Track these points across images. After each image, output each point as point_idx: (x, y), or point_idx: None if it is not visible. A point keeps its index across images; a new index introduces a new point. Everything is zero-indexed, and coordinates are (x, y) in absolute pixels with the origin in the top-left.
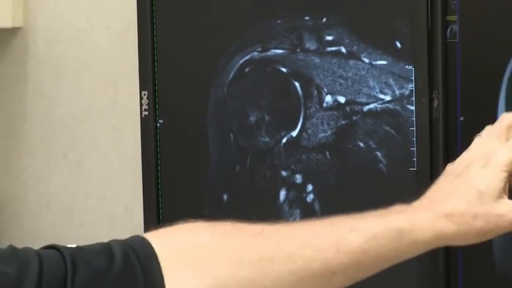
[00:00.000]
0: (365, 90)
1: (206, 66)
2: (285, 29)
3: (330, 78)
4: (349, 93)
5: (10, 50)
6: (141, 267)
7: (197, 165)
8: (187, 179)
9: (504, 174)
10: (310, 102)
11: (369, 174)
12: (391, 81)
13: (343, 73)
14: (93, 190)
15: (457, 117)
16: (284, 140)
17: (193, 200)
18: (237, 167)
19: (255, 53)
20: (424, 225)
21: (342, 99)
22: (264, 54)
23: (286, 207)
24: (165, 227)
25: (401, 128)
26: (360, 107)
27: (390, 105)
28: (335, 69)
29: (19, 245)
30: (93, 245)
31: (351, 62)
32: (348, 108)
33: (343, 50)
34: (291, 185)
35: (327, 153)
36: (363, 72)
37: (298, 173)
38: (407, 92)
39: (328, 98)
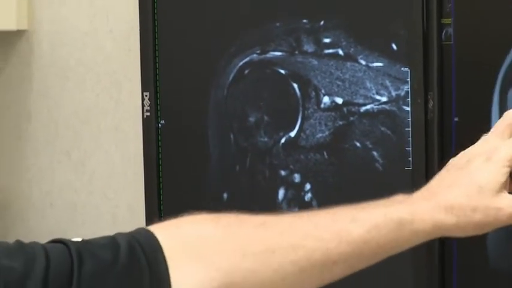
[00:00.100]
0: (362, 91)
1: (206, 68)
2: (284, 32)
3: (327, 79)
4: (346, 94)
5: (15, 52)
6: (146, 259)
7: (198, 165)
8: (188, 177)
9: (506, 170)
10: (308, 103)
11: (366, 173)
12: (387, 83)
13: (341, 75)
14: (96, 188)
15: (451, 117)
16: (283, 140)
17: (194, 198)
18: (237, 167)
19: (254, 55)
20: (425, 216)
21: (339, 100)
22: (263, 56)
23: (284, 206)
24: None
25: (397, 129)
26: (356, 108)
27: (386, 106)
28: (332, 71)
29: (24, 241)
30: (98, 238)
31: (348, 64)
32: (345, 109)
33: (341, 52)
34: (289, 184)
35: (325, 153)
36: (360, 74)
37: (297, 172)
38: (403, 93)
39: (326, 99)
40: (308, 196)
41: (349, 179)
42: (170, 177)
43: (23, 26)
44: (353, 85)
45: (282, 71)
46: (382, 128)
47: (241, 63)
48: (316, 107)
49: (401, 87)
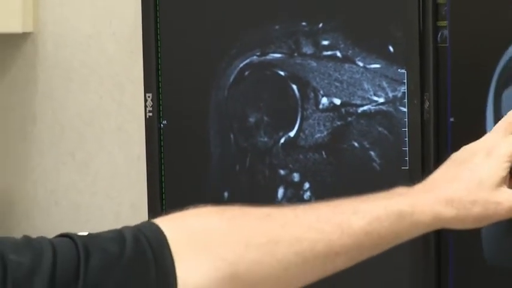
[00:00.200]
0: (359, 92)
1: (207, 70)
2: (283, 34)
3: (326, 81)
4: (344, 95)
5: (20, 54)
6: (153, 252)
7: (199, 164)
8: (190, 177)
9: (506, 165)
10: (307, 104)
11: (363, 172)
12: (385, 84)
13: (339, 76)
14: (99, 188)
15: (447, 118)
16: (282, 140)
17: (196, 197)
18: (237, 166)
19: (254, 57)
20: (425, 208)
21: (337, 101)
22: (263, 58)
23: (284, 205)
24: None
25: (394, 129)
26: (354, 108)
27: (383, 107)
28: (331, 72)
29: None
30: (105, 232)
31: (346, 65)
32: (343, 109)
33: (339, 54)
34: (288, 183)
35: (323, 153)
36: (358, 76)
37: (296, 171)
38: (399, 94)
39: (324, 100)
40: (307, 195)
41: (347, 178)
42: (172, 177)
43: (28, 29)
44: (351, 86)
45: (282, 73)
46: (380, 128)
47: (241, 65)
48: (314, 108)
49: (398, 88)
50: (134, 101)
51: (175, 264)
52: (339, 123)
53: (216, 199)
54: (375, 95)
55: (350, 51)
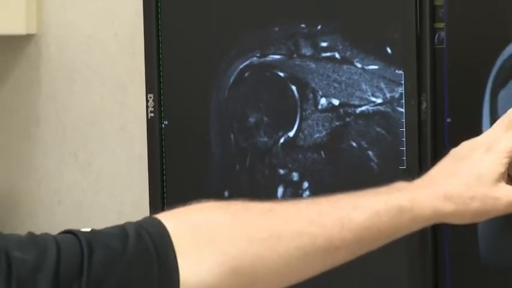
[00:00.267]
0: (358, 93)
1: (208, 71)
2: (283, 36)
3: (324, 82)
4: (343, 96)
5: (24, 56)
6: (155, 248)
7: (200, 164)
8: (191, 176)
9: (505, 160)
10: (306, 105)
11: (361, 172)
12: (382, 85)
13: (337, 77)
14: (102, 187)
15: (444, 118)
16: (282, 140)
17: (196, 196)
18: (238, 166)
19: (254, 58)
20: (424, 203)
21: (336, 102)
22: (262, 59)
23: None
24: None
25: (392, 129)
26: (352, 109)
27: (381, 108)
28: (329, 73)
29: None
30: (107, 228)
31: (345, 66)
32: (341, 110)
33: (337, 55)
34: (288, 183)
35: (322, 153)
36: (356, 77)
37: (295, 171)
38: (397, 95)
39: (323, 101)
40: (306, 194)
41: (345, 178)
42: (173, 176)
43: (32, 30)
44: (349, 87)
45: (281, 74)
46: (377, 129)
47: (241, 66)
48: (313, 108)
49: (396, 89)
50: (136, 101)
51: (177, 260)
52: (337, 123)
53: (216, 198)
54: (372, 95)
55: (348, 53)
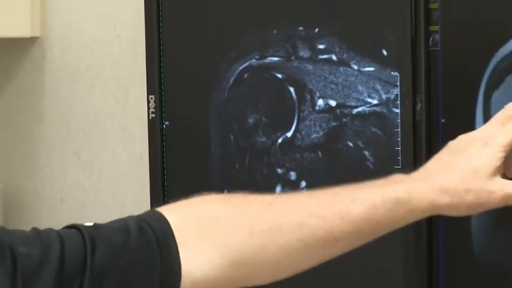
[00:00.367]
0: (354, 94)
1: (208, 72)
2: (281, 39)
3: (321, 83)
4: (340, 97)
5: (28, 57)
6: (157, 241)
7: (200, 163)
8: (191, 175)
9: (501, 155)
10: (304, 106)
11: (357, 171)
12: (378, 86)
13: (334, 79)
14: (104, 186)
15: (438, 119)
16: (280, 140)
17: (197, 195)
18: (237, 165)
19: (253, 60)
20: (421, 195)
21: (332, 103)
22: (261, 61)
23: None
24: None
25: (387, 129)
26: (349, 110)
27: (377, 109)
28: (326, 75)
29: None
30: (110, 222)
31: (341, 68)
32: (338, 111)
33: (334, 57)
34: (286, 182)
35: (319, 153)
36: (352, 78)
37: (293, 170)
38: (392, 96)
39: (320, 102)
40: None
41: (342, 177)
42: (174, 175)
43: (36, 33)
44: (346, 88)
45: (279, 75)
46: (373, 129)
47: (241, 68)
48: (311, 109)
49: (391, 90)
50: (137, 102)
51: (179, 252)
52: (334, 124)
53: None
54: (369, 96)
55: (345, 55)
